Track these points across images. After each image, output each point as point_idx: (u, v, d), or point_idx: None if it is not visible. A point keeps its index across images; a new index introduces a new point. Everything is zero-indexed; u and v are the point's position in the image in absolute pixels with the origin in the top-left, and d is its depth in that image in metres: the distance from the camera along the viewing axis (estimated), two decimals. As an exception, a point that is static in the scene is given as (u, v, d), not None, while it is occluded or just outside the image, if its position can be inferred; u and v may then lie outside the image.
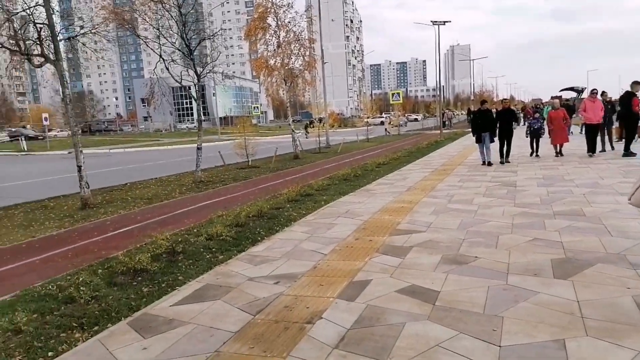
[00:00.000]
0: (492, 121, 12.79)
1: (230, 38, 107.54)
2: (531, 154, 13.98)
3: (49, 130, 46.68)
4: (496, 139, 12.86)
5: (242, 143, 16.97)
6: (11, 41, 8.72)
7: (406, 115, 67.70)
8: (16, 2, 9.14)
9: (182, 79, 12.55)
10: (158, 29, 11.94)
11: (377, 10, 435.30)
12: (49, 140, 39.67)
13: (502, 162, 12.66)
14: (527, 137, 14.30)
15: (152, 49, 12.37)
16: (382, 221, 6.83)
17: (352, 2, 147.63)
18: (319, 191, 9.79)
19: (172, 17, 11.77)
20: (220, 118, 73.01)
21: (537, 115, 15.14)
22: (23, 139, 39.85)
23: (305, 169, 15.39)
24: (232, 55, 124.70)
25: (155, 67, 12.02)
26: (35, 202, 10.53)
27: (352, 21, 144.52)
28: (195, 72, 12.36)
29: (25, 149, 34.39)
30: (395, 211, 7.46)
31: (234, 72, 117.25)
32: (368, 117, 38.40)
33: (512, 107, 17.41)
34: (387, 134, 35.86)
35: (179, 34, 11.88)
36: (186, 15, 11.96)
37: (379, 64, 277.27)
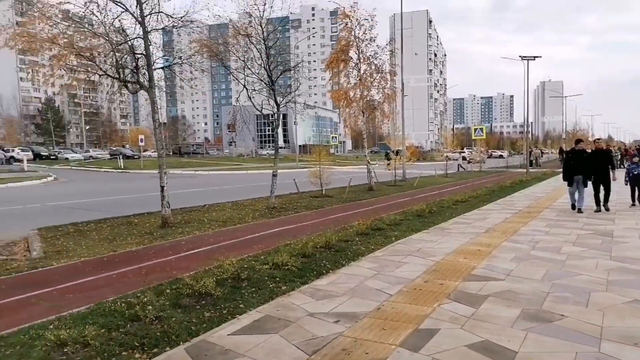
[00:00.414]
0: (587, 163, 11.64)
1: (314, 70, 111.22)
2: (632, 205, 12.46)
3: (144, 150, 50.64)
4: (590, 182, 11.67)
5: (317, 172, 17.11)
6: (112, 69, 9.58)
7: (489, 151, 64.95)
8: (115, 33, 10.03)
9: (262, 108, 13.02)
10: (244, 61, 12.55)
11: (463, 44, 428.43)
12: (143, 159, 42.97)
13: (597, 210, 11.46)
14: (626, 184, 12.71)
15: (236, 79, 13.02)
16: (455, 264, 6.39)
17: (437, 37, 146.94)
18: (391, 226, 9.48)
19: (257, 49, 12.33)
20: (300, 146, 74.96)
21: (636, 159, 13.37)
22: (121, 157, 43.57)
23: (379, 202, 15.11)
24: (315, 86, 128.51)
25: (239, 96, 12.58)
26: (122, 218, 11.26)
27: (436, 55, 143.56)
28: (275, 101, 12.77)
29: (122, 166, 37.49)
30: (471, 254, 6.97)
31: (315, 102, 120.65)
32: (448, 152, 37.22)
33: (610, 148, 15.83)
34: (462, 169, 34.43)
35: (262, 65, 12.40)
36: (270, 48, 12.48)
37: (462, 98, 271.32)
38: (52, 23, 9.34)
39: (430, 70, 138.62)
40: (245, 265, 6.17)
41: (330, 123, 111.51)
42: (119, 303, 4.74)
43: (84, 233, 9.46)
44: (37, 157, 50.21)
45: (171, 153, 70.55)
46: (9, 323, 4.39)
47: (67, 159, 51.22)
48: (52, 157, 52.62)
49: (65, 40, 9.19)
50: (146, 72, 9.71)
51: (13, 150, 49.09)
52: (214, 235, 9.17)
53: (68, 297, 5.25)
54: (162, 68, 10.64)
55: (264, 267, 6.10)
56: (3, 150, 50.83)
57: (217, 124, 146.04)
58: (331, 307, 4.73)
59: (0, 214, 13.17)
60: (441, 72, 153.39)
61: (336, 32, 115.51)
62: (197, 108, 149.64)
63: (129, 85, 9.88)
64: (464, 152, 57.97)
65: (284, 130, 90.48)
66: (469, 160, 39.68)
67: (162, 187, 10.20)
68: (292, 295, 5.13)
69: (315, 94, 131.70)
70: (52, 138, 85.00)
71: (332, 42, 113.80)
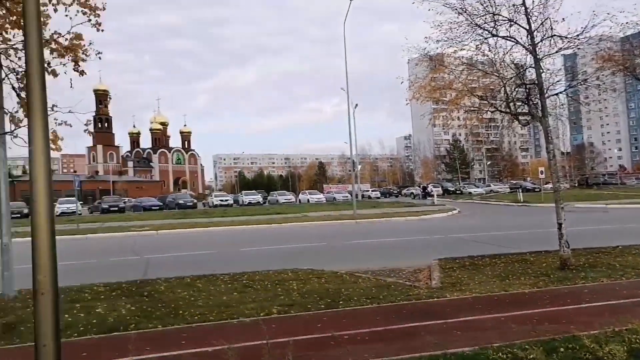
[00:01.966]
0: None
1: None
2: None
3: (545, 183, 48.28)
4: None
5: None
6: (503, 103, 9.53)
7: None
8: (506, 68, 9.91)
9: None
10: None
11: None
12: (543, 192, 40.97)
13: None
14: None
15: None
16: None
17: None
18: None
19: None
20: None
21: None
22: (520, 190, 43.16)
23: None
24: None
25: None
26: (516, 255, 10.80)
27: None
28: None
29: (522, 200, 36.96)
30: None
31: None
32: None
33: None
34: None
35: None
36: None
37: None
38: (448, 71, 10.25)
39: None
40: (674, 337, 4.55)
41: None
42: (502, 353, 4.36)
43: (478, 267, 9.60)
44: (445, 192, 56.90)
45: (576, 184, 64.99)
46: (399, 349, 4.79)
47: (470, 193, 55.41)
48: (457, 192, 58.42)
49: (460, 83, 9.88)
50: (538, 102, 9.13)
51: (428, 187, 57.27)
52: (628, 286, 7.40)
53: (454, 333, 5.28)
54: (556, 95, 9.75)
55: None
56: (420, 187, 60.31)
57: (636, 148, 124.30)
58: None
59: (422, 242, 15.31)
60: None
61: None
62: (608, 132, 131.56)
63: (519, 117, 9.57)
64: None
65: None
66: None
67: (560, 224, 9.15)
68: None
69: None
70: (458, 174, 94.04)
71: None
